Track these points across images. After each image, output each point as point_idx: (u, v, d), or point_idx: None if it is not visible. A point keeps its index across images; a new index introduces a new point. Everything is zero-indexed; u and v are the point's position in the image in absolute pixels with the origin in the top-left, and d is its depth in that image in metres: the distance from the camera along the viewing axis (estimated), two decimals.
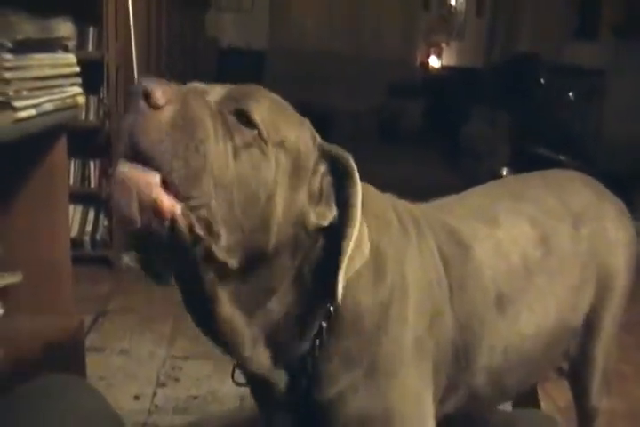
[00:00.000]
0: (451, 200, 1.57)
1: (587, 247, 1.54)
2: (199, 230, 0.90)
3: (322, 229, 1.07)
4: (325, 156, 1.07)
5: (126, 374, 2.57)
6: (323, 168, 1.07)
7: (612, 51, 5.87)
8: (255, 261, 1.00)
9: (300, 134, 1.04)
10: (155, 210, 0.87)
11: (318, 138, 1.09)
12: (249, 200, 0.95)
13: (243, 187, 0.94)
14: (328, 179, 1.07)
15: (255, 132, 0.96)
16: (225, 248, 0.95)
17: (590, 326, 1.59)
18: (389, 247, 1.19)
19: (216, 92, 1.00)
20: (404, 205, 1.34)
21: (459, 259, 1.36)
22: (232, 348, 1.09)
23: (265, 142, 0.96)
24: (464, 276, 1.35)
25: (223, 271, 0.98)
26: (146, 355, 2.73)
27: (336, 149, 1.08)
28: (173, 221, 0.88)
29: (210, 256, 0.94)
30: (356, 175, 1.05)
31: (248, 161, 0.95)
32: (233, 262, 0.97)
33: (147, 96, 0.86)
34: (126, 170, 0.87)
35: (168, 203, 0.87)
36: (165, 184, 0.87)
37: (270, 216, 0.98)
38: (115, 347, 2.78)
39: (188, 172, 0.87)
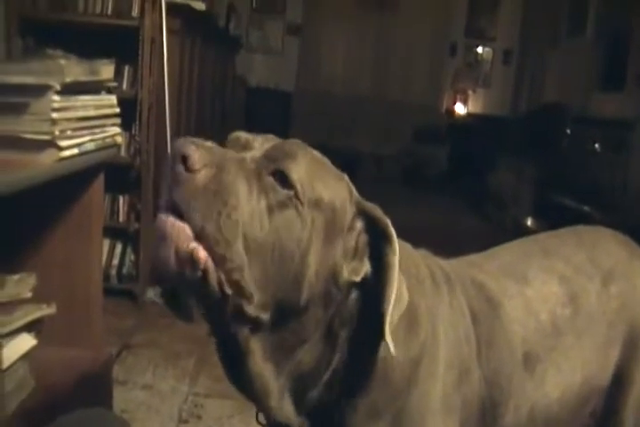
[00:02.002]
0: (482, 256, 1.58)
1: (615, 306, 1.53)
2: (228, 290, 0.95)
3: (354, 284, 1.10)
4: (362, 213, 1.10)
5: (149, 408, 2.58)
6: (359, 225, 1.10)
7: (638, 101, 5.89)
8: (287, 314, 1.04)
9: (337, 192, 1.06)
10: (190, 259, 0.91)
11: (355, 194, 1.12)
12: (282, 259, 0.98)
13: (276, 247, 0.97)
14: (364, 237, 1.10)
15: (292, 192, 0.99)
16: (257, 306, 0.99)
17: (620, 385, 1.56)
18: (422, 304, 1.22)
19: (257, 148, 1.05)
20: (436, 261, 1.37)
21: (488, 316, 1.37)
22: (260, 399, 1.12)
23: (301, 203, 0.99)
24: (492, 333, 1.36)
25: (256, 326, 1.02)
26: (168, 390, 2.74)
27: (374, 210, 1.10)
28: (205, 272, 0.93)
29: (241, 313, 0.99)
30: (395, 241, 1.07)
31: (282, 222, 0.98)
32: (265, 318, 1.01)
33: (184, 160, 0.90)
34: (167, 219, 0.92)
35: (203, 255, 0.92)
36: (200, 241, 0.92)
37: (304, 274, 1.01)
38: (138, 381, 2.79)
39: (220, 237, 0.92)
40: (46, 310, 1.83)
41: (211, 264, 0.92)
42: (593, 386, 1.53)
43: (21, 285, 1.81)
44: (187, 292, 0.99)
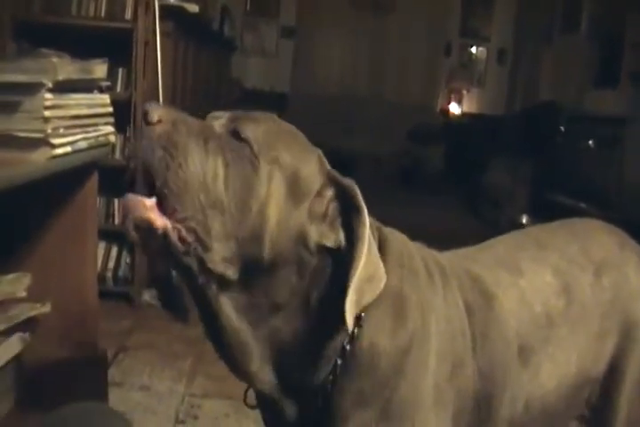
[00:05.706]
0: (476, 249, 1.58)
1: (608, 296, 1.52)
2: (189, 239, 1.01)
3: (332, 255, 1.11)
4: (333, 184, 1.12)
5: (146, 409, 2.57)
6: (329, 193, 1.12)
7: (631, 98, 5.90)
8: (255, 272, 1.06)
9: (301, 156, 1.11)
10: (148, 227, 1.00)
11: (327, 166, 1.15)
12: (239, 211, 1.03)
13: (232, 199, 1.02)
14: (334, 204, 1.11)
15: (247, 147, 1.04)
16: (220, 259, 1.03)
17: (614, 374, 1.55)
18: (413, 295, 1.22)
19: (226, 116, 1.12)
20: (431, 254, 1.37)
21: (482, 308, 1.36)
22: (239, 361, 1.13)
23: (256, 157, 1.04)
24: (487, 325, 1.35)
25: (224, 282, 1.06)
26: (165, 391, 2.73)
27: (345, 180, 1.13)
28: (165, 234, 1.00)
29: (205, 266, 1.03)
30: (365, 212, 1.08)
31: (237, 175, 1.03)
32: (231, 273, 1.05)
33: (145, 115, 1.01)
34: (127, 197, 1.02)
35: (160, 220, 1.00)
36: (160, 205, 1.00)
37: (263, 227, 1.04)
38: (134, 382, 2.79)
39: (171, 189, 1.00)
40: (41, 309, 1.83)
41: (169, 225, 1.00)
42: (587, 376, 1.52)
43: (16, 284, 1.80)
44: (157, 256, 1.09)
